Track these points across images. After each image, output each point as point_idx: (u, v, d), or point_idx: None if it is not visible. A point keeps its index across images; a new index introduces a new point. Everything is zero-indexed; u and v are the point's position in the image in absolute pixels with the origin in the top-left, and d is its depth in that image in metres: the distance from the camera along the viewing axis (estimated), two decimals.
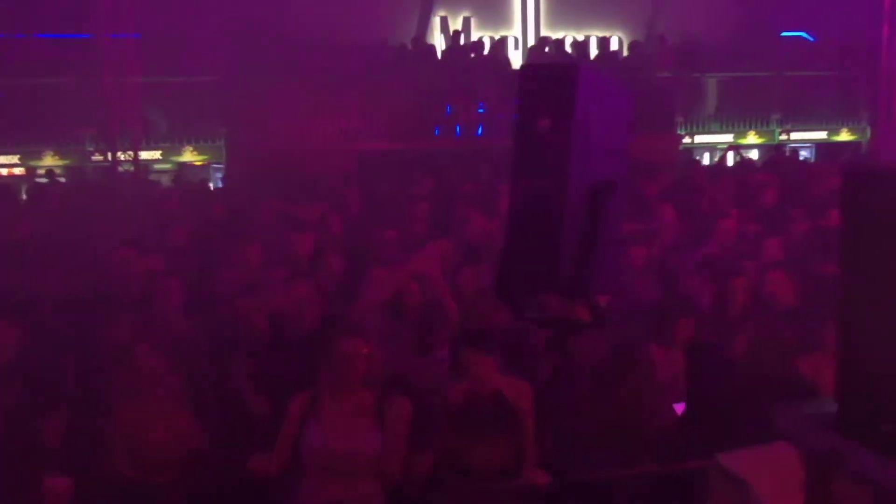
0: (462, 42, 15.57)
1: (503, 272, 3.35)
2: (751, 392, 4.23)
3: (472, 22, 16.70)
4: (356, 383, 3.73)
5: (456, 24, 16.46)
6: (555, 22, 16.98)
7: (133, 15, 12.52)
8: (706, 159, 15.25)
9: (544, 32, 16.74)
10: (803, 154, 15.46)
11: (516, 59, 15.64)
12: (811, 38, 17.30)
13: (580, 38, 17.02)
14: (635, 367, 4.26)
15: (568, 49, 15.82)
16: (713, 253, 6.66)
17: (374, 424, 3.71)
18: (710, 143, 15.14)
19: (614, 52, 15.96)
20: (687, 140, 14.64)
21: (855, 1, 15.04)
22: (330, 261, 6.09)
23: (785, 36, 17.02)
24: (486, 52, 15.14)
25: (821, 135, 15.43)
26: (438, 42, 16.09)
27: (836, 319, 2.29)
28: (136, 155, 12.70)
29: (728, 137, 14.95)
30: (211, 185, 12.97)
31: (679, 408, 4.57)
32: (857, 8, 15.14)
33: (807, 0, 13.28)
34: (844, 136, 15.52)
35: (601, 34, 16.79)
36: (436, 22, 16.52)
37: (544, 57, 14.60)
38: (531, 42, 16.42)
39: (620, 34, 17.32)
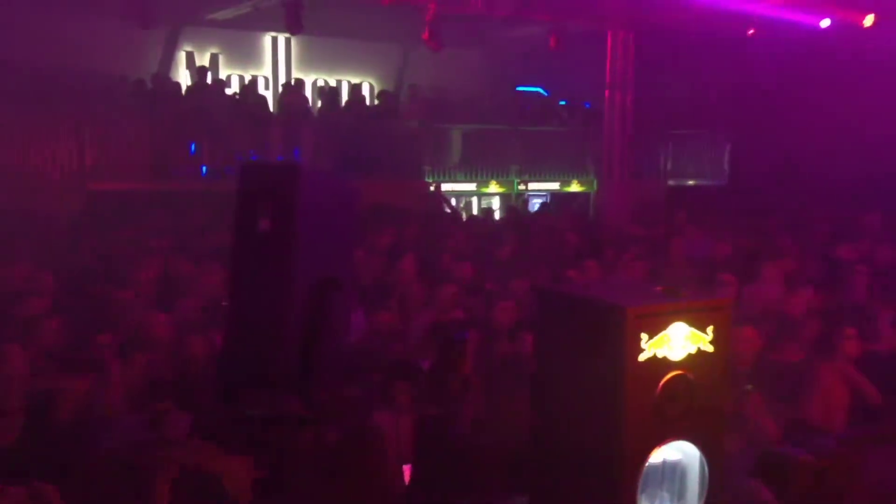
0: (209, 79, 15.17)
1: (223, 368, 3.29)
2: (474, 463, 4.45)
3: (220, 59, 16.36)
4: None
5: (203, 60, 16.04)
6: (306, 65, 17.07)
7: None
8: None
9: (296, 74, 16.77)
10: (537, 203, 16.67)
11: (269, 99, 15.55)
12: (546, 94, 18.74)
13: (332, 82, 17.25)
14: (367, 447, 4.31)
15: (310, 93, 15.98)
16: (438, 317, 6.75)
17: None
18: (456, 192, 15.84)
19: (364, 98, 16.32)
20: (433, 188, 15.23)
21: (581, 65, 16.53)
22: (45, 326, 5.63)
23: (523, 91, 18.30)
24: (232, 90, 14.87)
25: (554, 185, 16.68)
26: (184, 78, 15.58)
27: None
28: None
29: (472, 186, 15.74)
30: None
31: (407, 469, 4.73)
32: (584, 71, 16.65)
33: (543, 59, 14.35)
34: (575, 186, 16.87)
35: (353, 80, 17.11)
36: (181, 57, 16.01)
37: (296, 98, 14.60)
38: (282, 82, 16.39)
39: (372, 81, 17.77)
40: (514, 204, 15.46)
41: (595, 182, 16.51)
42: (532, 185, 16.41)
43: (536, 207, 16.34)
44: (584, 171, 16.75)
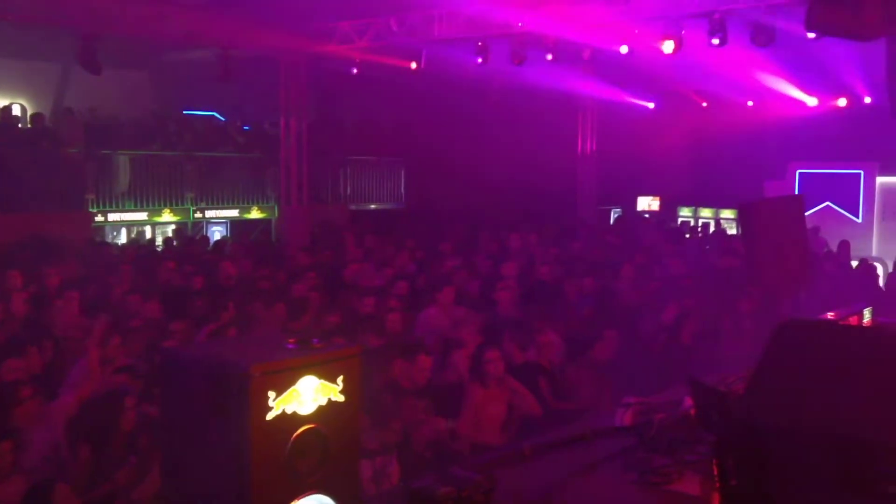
0: None
1: None
2: None
3: None
4: None
5: None
6: None
7: None
8: (123, 237, 15.01)
9: None
10: (218, 231, 16.20)
11: None
12: (223, 119, 18.33)
13: None
14: None
15: None
16: None
17: None
18: (125, 221, 14.92)
19: (16, 120, 14.84)
20: (100, 218, 14.21)
21: (258, 90, 16.40)
22: None
23: (195, 116, 17.73)
24: None
25: (234, 213, 16.32)
26: None
27: None
28: None
29: (143, 215, 14.91)
30: None
31: None
32: (261, 96, 16.54)
33: (218, 83, 14.02)
34: (256, 213, 16.64)
35: (1, 101, 15.47)
36: None
37: None
38: None
39: (24, 102, 16.20)
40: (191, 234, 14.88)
41: (276, 208, 16.42)
42: (210, 213, 15.94)
43: (217, 236, 15.87)
44: (265, 198, 16.60)
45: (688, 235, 16.25)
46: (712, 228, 17.06)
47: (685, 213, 18.69)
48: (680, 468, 3.70)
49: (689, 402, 4.33)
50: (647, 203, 19.31)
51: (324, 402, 2.88)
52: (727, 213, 17.56)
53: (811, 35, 7.81)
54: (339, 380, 2.92)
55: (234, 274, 9.51)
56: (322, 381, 2.87)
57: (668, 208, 18.95)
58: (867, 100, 15.16)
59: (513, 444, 4.61)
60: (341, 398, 2.93)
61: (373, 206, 18.57)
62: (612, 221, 18.99)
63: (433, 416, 5.69)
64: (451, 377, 6.70)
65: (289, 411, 2.77)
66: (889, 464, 2.31)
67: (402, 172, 18.92)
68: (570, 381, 7.02)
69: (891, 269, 12.53)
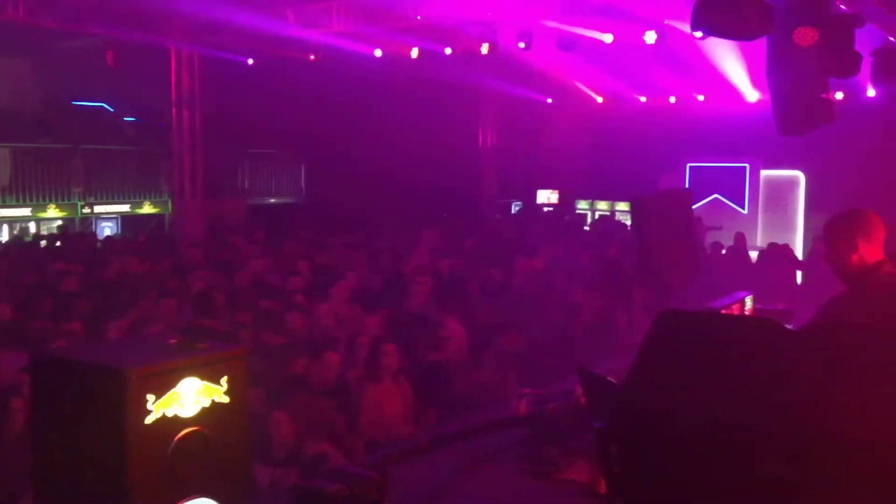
0: None
1: None
2: None
3: None
4: None
5: None
6: None
7: None
8: (4, 233, 14.31)
9: None
10: (108, 227, 15.63)
11: None
12: (111, 110, 17.67)
13: None
14: None
15: None
16: None
17: None
18: (6, 218, 14.23)
19: None
20: None
21: (149, 81, 15.86)
22: None
23: (83, 107, 17.04)
24: None
25: (124, 207, 15.78)
26: None
27: None
28: None
29: (26, 211, 14.25)
30: None
31: None
32: (153, 87, 16.01)
33: (106, 74, 13.47)
34: (148, 208, 16.14)
35: None
36: None
37: None
38: None
39: None
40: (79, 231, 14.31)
41: (170, 202, 15.95)
42: (99, 208, 15.36)
43: (107, 232, 15.31)
44: (158, 192, 16.10)
45: (586, 228, 16.62)
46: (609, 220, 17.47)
47: (583, 205, 19.09)
48: (570, 456, 3.77)
49: (580, 391, 4.42)
50: (547, 196, 19.62)
51: (207, 403, 2.80)
52: (623, 206, 18.02)
53: (698, 34, 8.08)
54: (223, 381, 2.85)
55: (124, 271, 9.19)
56: (205, 382, 2.79)
57: (567, 201, 19.31)
58: (753, 98, 15.79)
59: (408, 439, 4.62)
60: (226, 399, 2.85)
61: (272, 201, 18.27)
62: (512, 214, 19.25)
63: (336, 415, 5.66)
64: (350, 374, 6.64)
65: (169, 414, 2.69)
66: (764, 447, 2.40)
67: (303, 166, 18.68)
68: (474, 374, 7.07)
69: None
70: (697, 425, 2.47)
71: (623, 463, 2.68)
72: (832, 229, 3.86)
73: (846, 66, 7.92)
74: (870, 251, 3.73)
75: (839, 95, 13.52)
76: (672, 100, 17.02)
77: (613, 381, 3.84)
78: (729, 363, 2.53)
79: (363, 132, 17.01)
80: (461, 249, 12.06)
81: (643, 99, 17.65)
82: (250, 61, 14.92)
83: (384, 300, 8.87)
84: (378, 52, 12.88)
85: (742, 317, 4.88)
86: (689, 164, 17.13)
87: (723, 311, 5.90)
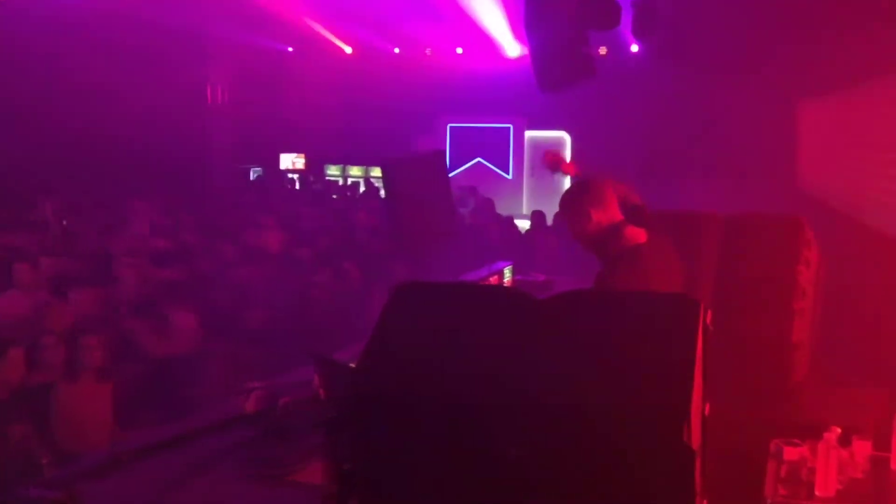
0: None
1: None
2: None
3: None
4: None
5: None
6: None
7: None
8: None
9: None
10: None
11: None
12: None
13: None
14: None
15: None
16: None
17: None
18: None
19: None
20: None
21: None
22: None
23: None
24: None
25: None
26: None
27: None
28: None
29: None
30: None
31: None
32: None
33: None
34: None
35: None
36: None
37: None
38: None
39: None
40: None
41: None
42: None
43: None
44: None
45: (335, 196, 16.64)
46: (363, 188, 17.62)
47: (333, 171, 19.05)
48: (304, 456, 3.72)
49: (318, 381, 4.38)
50: (291, 161, 19.40)
51: None
52: (378, 172, 18.18)
53: None
54: None
55: None
56: None
57: (315, 167, 19.19)
58: (514, 52, 16.41)
59: (104, 450, 4.35)
60: None
61: None
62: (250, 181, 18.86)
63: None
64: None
65: None
66: (505, 427, 2.44)
67: None
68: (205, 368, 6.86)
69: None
70: (433, 409, 2.49)
71: (354, 458, 2.65)
72: (564, 205, 4.25)
73: (605, 17, 8.46)
74: (605, 216, 4.11)
75: (603, 51, 14.43)
76: (428, 52, 17.31)
77: (353, 366, 3.83)
78: (467, 338, 2.56)
79: (55, 90, 15.74)
80: (187, 223, 11.66)
81: (397, 51, 17.82)
82: None
83: (89, 286, 8.35)
84: None
85: (485, 287, 5.06)
86: (449, 125, 17.61)
87: (479, 283, 6.12)
